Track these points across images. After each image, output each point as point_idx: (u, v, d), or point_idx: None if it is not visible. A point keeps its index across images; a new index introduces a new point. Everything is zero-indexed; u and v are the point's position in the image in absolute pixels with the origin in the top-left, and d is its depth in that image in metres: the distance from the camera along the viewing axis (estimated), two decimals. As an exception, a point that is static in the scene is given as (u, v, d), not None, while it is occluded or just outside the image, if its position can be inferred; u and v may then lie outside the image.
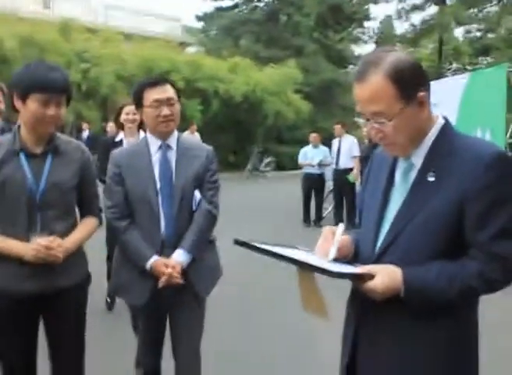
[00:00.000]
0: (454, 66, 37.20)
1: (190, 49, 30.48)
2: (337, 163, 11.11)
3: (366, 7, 44.43)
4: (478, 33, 25.77)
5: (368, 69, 1.71)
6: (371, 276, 1.68)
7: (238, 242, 1.86)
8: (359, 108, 1.79)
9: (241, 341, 4.85)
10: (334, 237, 1.85)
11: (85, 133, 18.83)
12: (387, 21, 55.71)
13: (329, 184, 12.09)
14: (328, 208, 12.28)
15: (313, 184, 11.39)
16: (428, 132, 1.79)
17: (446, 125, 1.82)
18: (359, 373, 1.89)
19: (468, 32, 25.74)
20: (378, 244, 1.84)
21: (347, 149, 11.00)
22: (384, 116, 1.71)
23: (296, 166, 25.50)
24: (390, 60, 1.70)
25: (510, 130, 8.50)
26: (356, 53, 54.00)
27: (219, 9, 37.87)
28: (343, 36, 45.13)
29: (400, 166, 1.87)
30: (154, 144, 2.99)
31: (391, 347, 1.79)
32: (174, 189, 2.92)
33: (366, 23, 49.21)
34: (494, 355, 3.80)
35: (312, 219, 11.47)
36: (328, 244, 1.84)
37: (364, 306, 1.84)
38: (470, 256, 1.72)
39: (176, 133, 3.03)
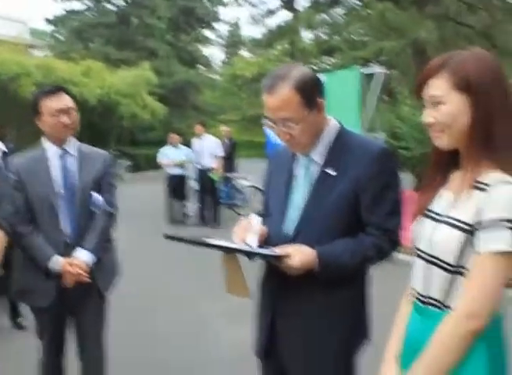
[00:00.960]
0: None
1: (39, 52, 29.19)
2: (200, 162, 11.40)
3: (216, 10, 45.23)
4: (326, 37, 27.33)
5: (277, 82, 2.00)
6: (289, 256, 1.97)
7: (168, 237, 2.10)
8: (268, 115, 2.07)
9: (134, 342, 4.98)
10: (251, 227, 2.12)
11: None
12: (236, 24, 57.10)
13: (192, 183, 12.34)
14: (192, 206, 12.53)
15: (176, 184, 11.54)
16: (324, 132, 2.14)
17: (339, 126, 2.18)
18: (279, 341, 2.18)
19: (317, 35, 27.22)
20: (287, 230, 2.14)
21: (209, 148, 11.31)
22: (292, 121, 2.02)
23: (152, 167, 25.52)
24: (295, 74, 2.01)
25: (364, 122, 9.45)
26: (206, 54, 54.69)
27: (70, 12, 36.70)
28: (193, 37, 45.57)
29: (301, 162, 2.19)
30: (53, 150, 3.08)
31: (305, 314, 2.12)
32: (75, 192, 3.03)
33: (216, 25, 50.12)
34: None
35: (178, 219, 11.63)
36: (245, 233, 2.11)
37: (281, 283, 2.12)
38: (365, 232, 2.09)
39: (74, 139, 3.16)
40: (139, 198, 15.72)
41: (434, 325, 1.62)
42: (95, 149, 3.30)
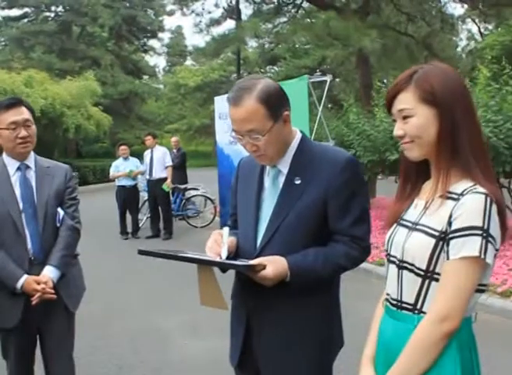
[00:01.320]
0: (244, 74, 39.23)
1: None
2: (151, 174, 11.27)
3: (161, 19, 45.08)
4: (270, 46, 27.61)
5: (243, 95, 2.02)
6: (263, 267, 2.00)
7: (142, 252, 2.11)
8: (235, 127, 2.10)
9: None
10: (222, 239, 2.13)
11: None
12: (179, 33, 56.99)
13: (143, 195, 12.25)
14: (143, 218, 12.45)
15: (127, 196, 11.33)
16: (290, 143, 2.17)
17: (304, 137, 2.22)
18: (254, 350, 2.20)
19: (261, 44, 27.45)
20: (259, 240, 2.17)
21: (160, 159, 11.27)
22: (258, 133, 2.04)
23: (99, 179, 25.22)
24: (260, 87, 2.03)
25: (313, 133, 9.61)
26: (151, 64, 54.42)
27: (7, 19, 35.86)
28: (137, 47, 45.30)
29: (269, 173, 2.22)
30: (13, 165, 3.03)
31: (279, 323, 2.14)
32: (37, 207, 2.98)
33: (160, 35, 49.97)
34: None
35: (129, 231, 11.51)
36: (217, 246, 2.12)
37: (254, 293, 2.14)
38: (335, 240, 2.13)
39: (32, 153, 3.09)
40: (88, 212, 15.42)
41: (406, 328, 1.69)
42: (55, 163, 3.25)
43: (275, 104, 2.05)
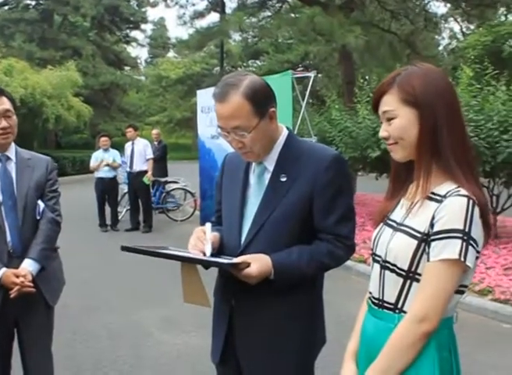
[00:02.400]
0: (227, 67, 39.20)
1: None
2: (131, 166, 11.22)
3: (144, 10, 44.78)
4: (254, 40, 27.60)
5: (229, 91, 1.99)
6: (247, 264, 1.98)
7: (125, 248, 2.08)
8: (220, 124, 2.07)
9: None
10: (205, 236, 2.11)
11: None
12: (161, 24, 56.72)
13: (123, 187, 12.17)
14: (123, 211, 12.38)
15: (106, 188, 11.25)
16: (277, 140, 2.16)
17: (290, 134, 2.20)
18: (238, 347, 2.19)
19: (244, 38, 27.41)
20: (243, 237, 2.15)
21: (141, 152, 11.20)
22: (243, 130, 2.01)
23: (79, 171, 25.04)
24: (247, 83, 2.01)
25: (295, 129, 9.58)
26: (133, 55, 54.10)
27: (-13, 7, 35.41)
28: (119, 38, 44.99)
29: (255, 170, 2.20)
30: None
31: (263, 320, 2.13)
32: (16, 199, 2.92)
33: (143, 26, 49.65)
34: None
35: (109, 224, 11.44)
36: (201, 243, 2.10)
37: (237, 290, 2.13)
38: (319, 238, 2.12)
39: (13, 144, 3.03)
40: (67, 204, 15.30)
41: (387, 327, 1.70)
42: (36, 154, 3.18)
43: (262, 100, 2.03)
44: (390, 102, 1.71)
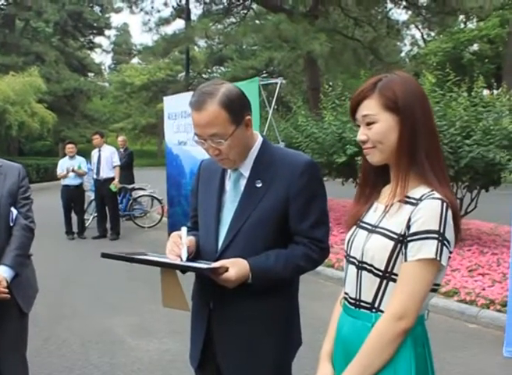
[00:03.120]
0: (191, 74, 39.13)
1: None
2: (98, 173, 11.15)
3: (107, 16, 44.42)
4: (218, 46, 27.64)
5: (205, 99, 2.04)
6: (225, 269, 2.03)
7: (104, 255, 2.11)
8: (197, 131, 2.11)
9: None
10: (181, 240, 2.15)
11: None
12: (125, 30, 56.37)
13: (89, 195, 12.07)
14: (90, 218, 12.27)
15: (72, 196, 11.12)
16: (252, 147, 2.21)
17: (265, 141, 2.26)
18: (216, 350, 2.22)
19: (209, 44, 27.45)
20: (220, 243, 2.20)
21: (107, 159, 11.14)
22: (220, 137, 2.06)
23: (43, 178, 24.67)
24: (223, 91, 2.06)
25: (264, 133, 9.62)
26: (96, 61, 53.61)
27: None
28: (83, 44, 44.55)
29: (230, 176, 2.25)
30: None
31: (241, 323, 2.18)
32: None
33: (107, 32, 49.27)
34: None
35: (75, 231, 11.32)
36: (177, 247, 2.14)
37: (214, 294, 2.17)
38: (295, 242, 2.18)
39: None
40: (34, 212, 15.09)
41: (364, 326, 1.76)
42: (7, 162, 3.19)
43: (237, 108, 2.08)
44: (371, 107, 1.76)
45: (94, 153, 11.26)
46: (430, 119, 1.80)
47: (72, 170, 10.90)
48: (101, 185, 11.14)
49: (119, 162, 11.33)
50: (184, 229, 2.19)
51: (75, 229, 11.32)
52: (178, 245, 2.14)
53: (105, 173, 11.12)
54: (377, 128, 1.76)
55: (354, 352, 1.74)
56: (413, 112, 1.74)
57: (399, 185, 1.77)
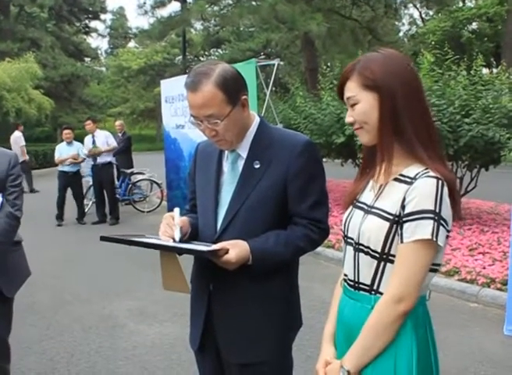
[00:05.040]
0: (188, 57, 38.93)
1: None
2: (95, 159, 11.06)
3: (102, 0, 44.12)
4: (215, 28, 27.50)
5: (201, 80, 2.01)
6: (225, 251, 2.00)
7: (103, 238, 2.09)
8: (193, 113, 2.07)
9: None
10: (174, 221, 2.13)
11: None
12: (121, 14, 56.00)
13: (88, 180, 12.01)
14: (89, 203, 12.24)
15: (69, 182, 11.01)
16: (249, 128, 2.18)
17: (262, 121, 2.23)
18: (216, 332, 2.20)
19: (206, 27, 27.31)
20: (219, 224, 2.17)
21: (103, 143, 11.05)
22: (216, 118, 2.03)
23: (41, 165, 24.63)
24: (218, 71, 2.02)
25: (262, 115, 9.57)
26: (93, 46, 53.31)
27: None
28: (78, 28, 44.28)
29: (228, 157, 2.22)
30: None
31: (241, 305, 2.16)
32: None
33: (103, 16, 48.94)
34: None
35: (75, 217, 11.26)
36: (170, 229, 2.12)
37: (214, 276, 2.15)
38: (294, 223, 2.15)
39: None
40: (31, 198, 15.13)
41: (364, 308, 1.74)
42: (0, 149, 3.18)
43: (233, 88, 2.05)
44: (352, 88, 1.75)
45: (88, 139, 11.12)
46: (417, 94, 1.75)
47: (73, 158, 10.83)
48: (99, 170, 11.11)
49: (115, 143, 11.34)
50: (177, 210, 2.16)
51: (67, 216, 11.18)
52: (171, 226, 2.12)
53: (103, 158, 11.06)
54: (359, 109, 1.75)
55: (355, 335, 1.72)
56: (392, 88, 1.69)
57: (384, 164, 1.75)
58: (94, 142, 10.97)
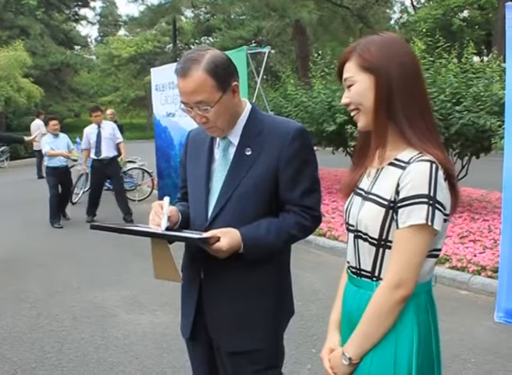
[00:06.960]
0: (179, 45, 38.72)
1: None
2: (99, 153, 9.77)
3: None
4: (206, 16, 27.34)
5: (191, 66, 1.98)
6: (217, 239, 1.99)
7: (93, 227, 2.06)
8: (183, 99, 2.05)
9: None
10: (163, 210, 2.10)
11: None
12: (111, 1, 55.52)
13: (78, 168, 11.76)
14: (80, 193, 12.12)
15: (62, 178, 9.94)
16: (240, 114, 2.16)
17: (254, 108, 2.21)
18: (208, 320, 2.20)
19: (197, 14, 27.15)
20: (210, 212, 2.15)
21: (110, 136, 9.89)
22: (207, 104, 2.01)
23: (31, 154, 24.45)
24: (208, 57, 2.00)
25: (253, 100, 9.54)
26: (83, 34, 52.91)
27: None
28: (68, 16, 43.91)
29: (219, 144, 2.20)
30: None
31: (233, 293, 2.15)
32: None
33: (92, 4, 48.52)
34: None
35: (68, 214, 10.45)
36: (158, 217, 2.09)
37: (205, 264, 2.14)
38: (286, 210, 2.14)
39: None
40: (21, 187, 15.08)
41: (366, 294, 1.74)
42: None
43: (224, 75, 2.03)
44: (350, 69, 1.74)
45: (93, 130, 9.85)
46: (413, 78, 1.73)
47: (67, 157, 9.95)
48: (105, 167, 9.81)
49: (122, 138, 10.30)
50: (167, 198, 2.13)
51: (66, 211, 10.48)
52: (159, 215, 2.10)
53: (110, 152, 9.84)
54: (354, 89, 1.74)
55: (357, 321, 1.73)
56: (389, 71, 1.68)
57: (379, 149, 1.75)
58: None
